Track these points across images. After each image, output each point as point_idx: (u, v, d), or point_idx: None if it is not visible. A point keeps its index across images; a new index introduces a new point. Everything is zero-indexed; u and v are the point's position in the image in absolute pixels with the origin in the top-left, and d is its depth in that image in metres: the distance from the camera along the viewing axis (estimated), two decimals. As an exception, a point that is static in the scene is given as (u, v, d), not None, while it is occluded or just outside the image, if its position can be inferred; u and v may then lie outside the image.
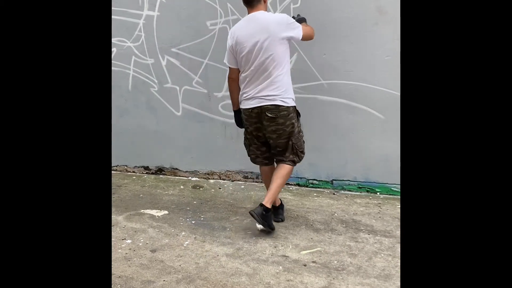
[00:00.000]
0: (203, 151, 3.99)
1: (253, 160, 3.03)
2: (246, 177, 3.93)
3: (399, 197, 3.48)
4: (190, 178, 4.07)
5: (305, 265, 2.47)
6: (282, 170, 2.86)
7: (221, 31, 3.66)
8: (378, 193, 3.56)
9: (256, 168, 3.86)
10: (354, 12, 3.30)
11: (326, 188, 3.70)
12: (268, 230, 2.82)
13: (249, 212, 2.79)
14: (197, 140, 3.98)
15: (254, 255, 2.60)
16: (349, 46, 3.35)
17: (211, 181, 3.99)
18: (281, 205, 3.12)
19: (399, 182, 3.51)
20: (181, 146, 4.06)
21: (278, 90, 2.71)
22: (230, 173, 3.97)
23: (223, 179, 3.99)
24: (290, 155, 2.86)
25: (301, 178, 3.76)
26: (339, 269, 2.43)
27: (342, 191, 3.64)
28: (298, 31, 2.71)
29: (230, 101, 3.75)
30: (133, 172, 4.28)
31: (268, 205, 2.78)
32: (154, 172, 4.22)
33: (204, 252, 2.65)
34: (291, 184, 3.79)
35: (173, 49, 3.85)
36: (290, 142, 2.82)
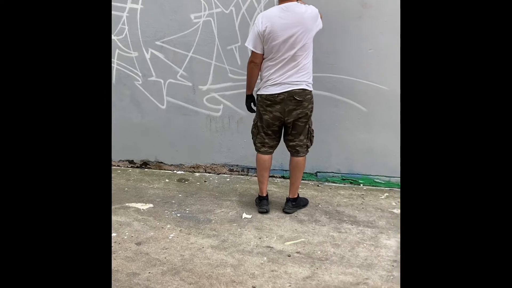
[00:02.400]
0: (188, 144, 3.99)
1: (258, 149, 3.09)
2: (231, 170, 3.95)
3: (382, 188, 3.54)
4: (175, 171, 4.07)
5: (289, 256, 2.51)
6: (300, 163, 3.07)
7: (205, 24, 3.66)
8: (361, 185, 3.62)
9: (241, 161, 3.90)
10: (338, 5, 3.32)
11: (310, 180, 3.74)
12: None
13: (284, 211, 3.09)
14: (182, 133, 3.98)
15: (239, 246, 2.63)
16: (332, 39, 3.37)
17: (197, 174, 4.00)
18: (267, 196, 3.16)
19: (382, 174, 3.57)
20: (166, 140, 4.05)
21: (305, 76, 2.86)
22: (215, 166, 3.99)
23: (209, 172, 4.00)
24: (304, 139, 3.01)
25: (286, 170, 3.78)
26: (323, 259, 2.48)
27: (326, 183, 3.68)
28: (320, 21, 2.88)
29: (214, 94, 3.82)
30: (118, 166, 4.26)
31: (296, 195, 3.13)
32: (139, 165, 4.21)
33: (189, 244, 2.66)
34: (276, 177, 3.82)
35: (157, 42, 3.83)
36: (307, 126, 2.99)
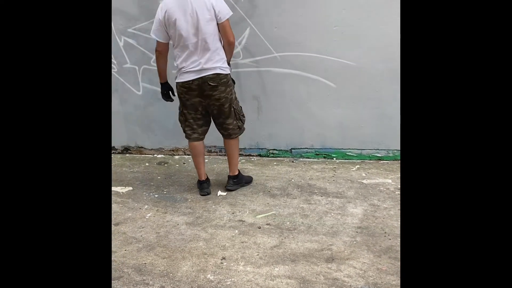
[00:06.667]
0: (166, 128, 4.09)
1: (189, 136, 3.13)
2: (210, 151, 4.06)
3: (354, 161, 3.67)
4: (155, 155, 4.17)
5: (259, 228, 2.64)
6: (233, 145, 3.15)
7: (175, 9, 3.72)
8: (334, 158, 3.74)
9: (219, 142, 3.96)
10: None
11: (285, 156, 3.86)
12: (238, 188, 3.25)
13: (226, 189, 3.20)
14: (160, 118, 4.07)
15: (213, 221, 2.75)
16: (298, 18, 3.45)
17: (176, 157, 4.10)
18: (206, 179, 3.25)
19: (353, 147, 3.70)
20: (144, 125, 4.14)
21: (218, 62, 2.88)
22: (194, 148, 4.09)
23: (188, 155, 4.11)
24: (234, 121, 3.07)
25: (262, 148, 3.91)
26: (291, 229, 2.61)
27: (301, 159, 3.81)
28: (223, 9, 2.82)
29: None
30: (100, 153, 4.35)
31: (236, 173, 3.21)
32: (120, 151, 4.31)
33: (165, 222, 2.79)
34: (252, 155, 3.94)
35: (129, 30, 3.89)
36: (232, 108, 3.03)
